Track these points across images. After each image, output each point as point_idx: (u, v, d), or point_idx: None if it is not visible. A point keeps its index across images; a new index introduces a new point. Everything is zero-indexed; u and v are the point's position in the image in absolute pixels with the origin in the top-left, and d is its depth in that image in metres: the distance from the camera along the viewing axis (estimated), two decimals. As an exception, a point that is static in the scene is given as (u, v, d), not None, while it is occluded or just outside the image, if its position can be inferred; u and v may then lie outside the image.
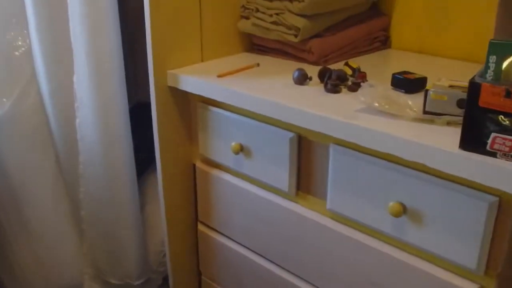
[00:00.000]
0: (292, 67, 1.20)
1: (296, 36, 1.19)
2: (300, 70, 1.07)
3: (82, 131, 1.36)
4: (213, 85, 1.10)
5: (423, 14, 1.30)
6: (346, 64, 1.13)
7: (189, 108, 1.26)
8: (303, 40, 1.19)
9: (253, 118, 1.09)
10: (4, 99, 1.36)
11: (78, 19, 1.28)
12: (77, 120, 1.36)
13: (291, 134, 1.03)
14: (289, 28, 1.19)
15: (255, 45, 1.33)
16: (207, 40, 1.24)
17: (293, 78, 1.08)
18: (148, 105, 1.30)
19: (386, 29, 1.35)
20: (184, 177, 1.31)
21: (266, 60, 1.26)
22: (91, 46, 1.29)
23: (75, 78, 1.33)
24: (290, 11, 1.19)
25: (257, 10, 1.25)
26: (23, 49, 1.38)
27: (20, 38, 1.38)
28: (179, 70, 1.19)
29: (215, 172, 1.23)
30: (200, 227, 1.35)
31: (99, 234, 1.51)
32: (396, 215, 0.88)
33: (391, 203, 0.89)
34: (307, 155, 1.04)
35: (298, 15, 1.18)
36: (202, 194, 1.30)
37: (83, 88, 1.32)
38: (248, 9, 1.26)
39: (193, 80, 1.14)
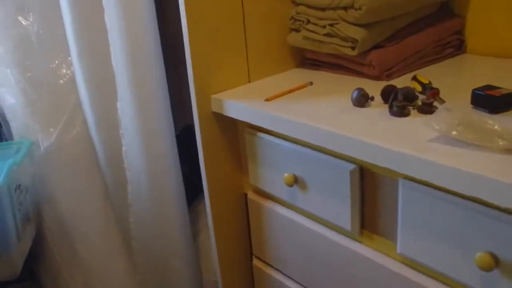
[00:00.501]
0: (350, 83, 1.06)
1: (353, 48, 1.05)
2: (360, 90, 0.93)
3: (128, 159, 1.29)
4: (260, 111, 0.98)
5: (503, 13, 1.11)
6: (414, 78, 0.97)
7: (237, 134, 1.15)
8: (362, 53, 1.05)
9: (308, 147, 0.96)
10: (51, 129, 1.31)
11: (119, 45, 1.20)
12: (123, 148, 1.29)
13: (351, 166, 0.89)
14: (345, 40, 1.05)
15: (307, 59, 1.19)
16: (253, 59, 1.12)
17: (352, 99, 0.94)
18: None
19: (460, 32, 1.18)
20: (236, 207, 1.20)
21: (321, 77, 1.13)
22: (134, 72, 1.21)
23: (118, 105, 1.26)
24: (345, 20, 1.05)
25: (308, 22, 1.11)
26: (67, 77, 1.32)
27: (64, 65, 1.32)
28: (223, 94, 1.08)
29: (268, 204, 1.11)
30: (255, 261, 1.24)
31: (150, 266, 1.43)
32: (486, 268, 0.72)
33: (478, 254, 0.73)
34: (371, 190, 0.90)
35: (354, 24, 1.04)
36: (255, 227, 1.18)
37: (127, 115, 1.25)
38: (298, 20, 1.13)
39: (238, 106, 1.02)
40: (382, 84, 1.01)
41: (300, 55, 1.20)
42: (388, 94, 0.93)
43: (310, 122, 0.90)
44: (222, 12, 1.05)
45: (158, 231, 1.32)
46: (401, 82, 1.04)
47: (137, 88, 1.22)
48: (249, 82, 1.13)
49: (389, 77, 1.06)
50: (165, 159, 1.24)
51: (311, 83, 1.08)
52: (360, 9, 1.01)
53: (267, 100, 1.01)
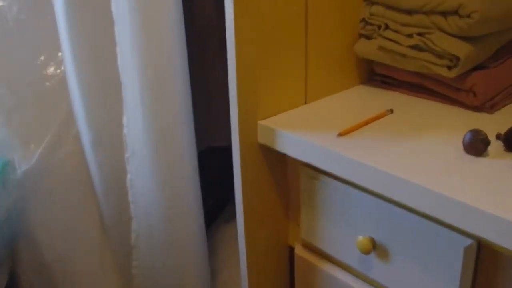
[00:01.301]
0: (442, 113, 0.81)
1: (450, 68, 0.79)
2: (477, 132, 0.68)
3: (135, 190, 1.01)
4: (332, 152, 0.72)
5: None
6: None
7: (286, 169, 0.89)
8: (460, 75, 0.80)
9: (395, 203, 0.71)
10: (32, 145, 1.03)
11: (129, 41, 0.92)
12: (128, 176, 1.01)
13: (467, 241, 0.64)
14: (440, 56, 0.79)
15: (377, 75, 0.94)
16: (313, 72, 0.85)
17: (464, 144, 0.69)
18: (222, 151, 0.95)
19: None
20: (277, 262, 0.94)
21: (398, 100, 0.86)
22: (148, 77, 0.93)
23: (125, 120, 0.98)
24: (443, 30, 0.79)
25: (387, 27, 0.85)
26: (56, 78, 1.03)
27: (52, 63, 1.03)
28: (274, 120, 0.81)
29: (325, 265, 0.85)
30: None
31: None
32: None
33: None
34: (490, 272, 0.66)
35: (456, 36, 0.78)
36: None
37: (136, 134, 0.97)
38: (371, 25, 0.87)
39: (299, 141, 0.76)
40: (483, 117, 0.77)
41: (367, 68, 0.94)
42: (514, 140, 0.68)
43: (406, 175, 0.64)
44: (280, 8, 0.78)
45: (168, 280, 1.05)
46: (506, 115, 0.79)
47: (151, 100, 0.94)
48: (306, 103, 0.87)
49: (492, 108, 0.81)
50: (184, 199, 0.97)
51: (391, 111, 0.82)
52: (469, 17, 0.75)
53: (340, 135, 0.75)
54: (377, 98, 0.88)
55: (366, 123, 0.78)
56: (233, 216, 0.89)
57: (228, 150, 0.84)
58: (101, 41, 0.98)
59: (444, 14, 0.78)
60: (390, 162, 0.67)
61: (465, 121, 0.78)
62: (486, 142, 0.67)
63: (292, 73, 0.83)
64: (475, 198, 0.59)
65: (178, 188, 0.99)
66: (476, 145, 0.67)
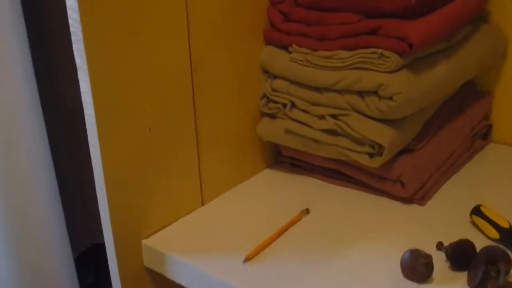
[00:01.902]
0: (366, 207, 0.67)
1: (372, 155, 0.66)
2: (417, 254, 0.54)
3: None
4: (238, 283, 0.56)
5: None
6: (477, 212, 0.62)
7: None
8: (385, 162, 0.67)
9: None
10: None
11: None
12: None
13: None
14: (359, 142, 0.66)
15: (285, 157, 0.79)
16: (208, 163, 0.68)
17: (402, 266, 0.55)
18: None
19: (488, 115, 0.85)
20: None
21: (313, 190, 0.72)
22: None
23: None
24: (360, 112, 0.66)
25: (293, 105, 0.71)
26: None
27: None
28: (164, 235, 0.63)
29: None
30: None
31: None
32: None
33: None
34: None
35: (375, 119, 0.65)
36: None
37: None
38: (275, 102, 0.72)
39: (195, 270, 0.59)
40: (415, 211, 0.65)
41: (274, 149, 0.79)
42: (461, 257, 0.56)
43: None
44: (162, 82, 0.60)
45: None
46: (440, 206, 0.67)
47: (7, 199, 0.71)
48: (203, 204, 0.69)
49: (423, 199, 0.68)
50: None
51: (307, 211, 0.67)
52: (391, 99, 0.62)
53: (247, 259, 0.58)
54: (288, 188, 0.73)
55: (279, 234, 0.62)
56: None
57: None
58: None
59: (360, 93, 0.65)
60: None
61: (396, 219, 0.65)
62: (430, 267, 0.54)
63: (181, 170, 0.65)
64: None
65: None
66: (418, 270, 0.54)
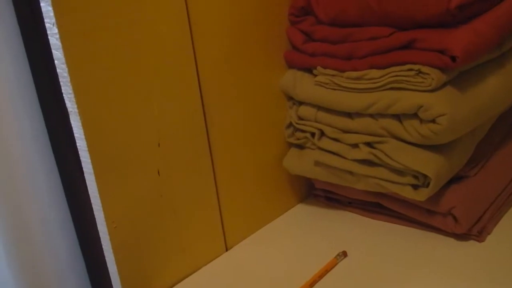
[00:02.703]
0: (413, 247, 0.58)
1: (416, 187, 0.57)
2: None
3: None
4: None
5: None
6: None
7: None
8: (434, 195, 0.58)
9: None
10: None
11: None
12: None
13: None
14: (399, 172, 0.58)
15: (319, 190, 0.71)
16: (229, 204, 0.61)
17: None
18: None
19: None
20: None
21: (350, 227, 0.63)
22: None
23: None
24: (399, 138, 0.58)
25: (323, 134, 0.63)
26: None
27: None
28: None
29: None
30: None
31: None
32: None
33: None
34: None
35: (420, 147, 0.57)
36: None
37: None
38: (302, 131, 0.65)
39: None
40: (473, 249, 0.55)
41: (306, 181, 0.71)
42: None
43: None
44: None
45: None
46: (500, 243, 0.57)
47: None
48: (227, 249, 0.63)
49: (481, 233, 0.59)
50: None
51: (345, 254, 0.59)
52: (434, 122, 0.54)
53: (274, 318, 0.51)
54: (322, 226, 0.65)
55: (312, 284, 0.55)
56: None
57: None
58: None
59: (398, 117, 0.56)
60: None
61: (449, 259, 0.55)
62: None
63: (198, 215, 0.59)
64: None
65: None
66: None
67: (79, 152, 0.47)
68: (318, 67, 0.60)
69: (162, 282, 0.57)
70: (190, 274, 0.59)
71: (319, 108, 0.61)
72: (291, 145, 0.66)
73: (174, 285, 0.57)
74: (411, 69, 0.54)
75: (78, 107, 0.44)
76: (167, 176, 0.54)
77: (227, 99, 0.59)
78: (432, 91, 0.53)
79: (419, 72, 0.54)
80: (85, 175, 0.48)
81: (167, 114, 0.53)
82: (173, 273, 0.57)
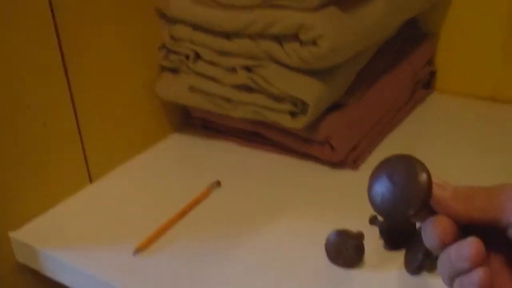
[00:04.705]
0: (287, 175, 0.56)
1: (294, 115, 0.55)
2: (345, 236, 0.44)
3: None
4: (124, 279, 0.44)
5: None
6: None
7: None
8: (312, 123, 0.56)
9: None
10: None
11: None
12: None
13: None
14: (278, 99, 0.55)
15: (195, 118, 0.67)
16: (92, 133, 0.56)
17: (327, 250, 0.45)
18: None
19: (432, 60, 0.75)
20: None
21: (228, 156, 0.60)
22: None
23: None
24: (279, 62, 0.54)
25: (198, 56, 0.58)
26: None
27: None
28: (37, 224, 0.50)
29: None
30: None
31: None
32: None
33: None
34: None
35: (299, 71, 0.54)
36: None
37: None
38: (176, 53, 0.59)
39: (73, 269, 0.47)
40: (346, 177, 0.55)
41: (182, 108, 0.66)
42: (398, 234, 0.46)
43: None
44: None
45: None
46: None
47: None
48: (91, 181, 0.57)
49: (356, 163, 0.58)
50: None
51: (218, 184, 0.56)
52: (315, 44, 0.51)
53: (138, 250, 0.46)
54: (197, 155, 0.61)
55: (181, 216, 0.51)
56: None
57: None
58: None
59: (278, 39, 0.53)
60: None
61: (324, 187, 0.54)
62: (361, 250, 0.44)
63: (56, 144, 0.52)
64: None
65: None
66: (346, 254, 0.44)
67: None
68: (194, -20, 0.55)
69: (21, 216, 0.50)
70: (48, 210, 0.53)
71: (195, 27, 0.56)
72: (164, 68, 0.60)
73: (34, 217, 0.51)
74: (292, -14, 0.50)
75: None
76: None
77: (91, 15, 0.51)
78: (314, 10, 0.50)
79: (301, -11, 0.50)
80: None
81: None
82: (33, 205, 0.51)
